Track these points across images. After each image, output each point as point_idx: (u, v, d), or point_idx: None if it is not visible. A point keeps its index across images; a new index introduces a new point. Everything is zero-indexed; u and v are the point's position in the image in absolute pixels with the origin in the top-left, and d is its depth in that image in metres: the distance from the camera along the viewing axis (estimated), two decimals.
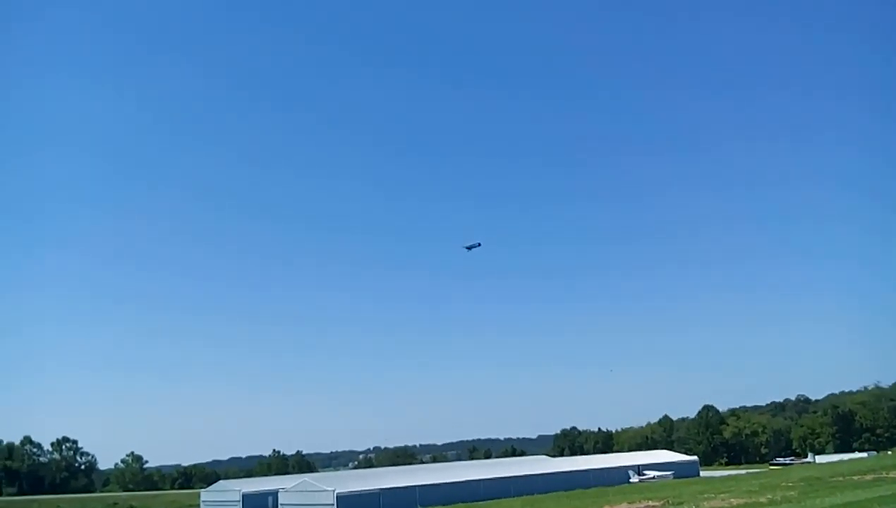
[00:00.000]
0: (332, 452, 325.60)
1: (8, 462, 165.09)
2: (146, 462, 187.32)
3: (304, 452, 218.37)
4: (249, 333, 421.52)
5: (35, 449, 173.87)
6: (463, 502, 79.35)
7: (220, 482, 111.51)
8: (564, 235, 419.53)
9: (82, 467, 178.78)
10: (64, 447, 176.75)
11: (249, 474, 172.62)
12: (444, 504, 78.32)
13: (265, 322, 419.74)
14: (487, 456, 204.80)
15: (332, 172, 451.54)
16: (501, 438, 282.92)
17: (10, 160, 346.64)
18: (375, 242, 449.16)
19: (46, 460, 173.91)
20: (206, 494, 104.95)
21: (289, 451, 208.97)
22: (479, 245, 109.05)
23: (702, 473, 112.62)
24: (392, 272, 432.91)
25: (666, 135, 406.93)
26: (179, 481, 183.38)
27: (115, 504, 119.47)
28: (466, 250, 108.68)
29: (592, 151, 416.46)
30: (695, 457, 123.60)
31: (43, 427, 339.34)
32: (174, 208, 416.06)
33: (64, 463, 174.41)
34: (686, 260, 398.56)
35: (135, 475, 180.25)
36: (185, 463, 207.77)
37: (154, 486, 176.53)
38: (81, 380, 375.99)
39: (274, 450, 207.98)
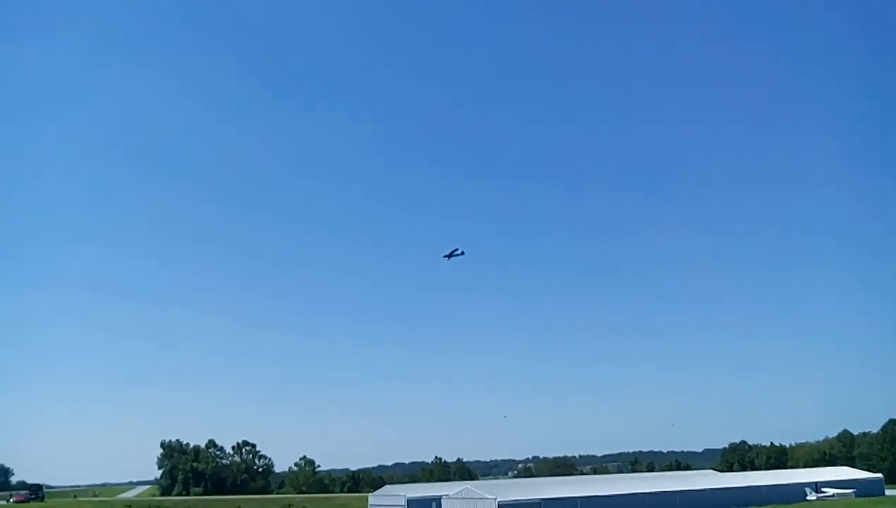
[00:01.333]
0: (491, 460, 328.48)
1: (195, 464, 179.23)
2: (318, 465, 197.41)
3: (465, 460, 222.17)
4: (412, 345, 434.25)
5: (218, 452, 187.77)
6: None
7: (387, 486, 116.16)
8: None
9: (260, 469, 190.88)
10: (244, 450, 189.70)
11: (413, 479, 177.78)
12: None
13: (428, 334, 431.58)
14: (650, 469, 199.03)
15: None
16: (664, 451, 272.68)
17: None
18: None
19: (228, 462, 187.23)
20: (373, 498, 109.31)
21: (450, 458, 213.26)
22: (462, 253, 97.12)
23: (887, 492, 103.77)
24: (553, 274, 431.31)
25: None
26: (348, 484, 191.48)
27: (290, 505, 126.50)
28: (446, 259, 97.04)
29: None
30: (879, 475, 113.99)
31: (225, 431, 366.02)
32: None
33: (244, 466, 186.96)
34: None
35: (307, 477, 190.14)
36: (353, 468, 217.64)
37: (325, 489, 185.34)
38: (261, 388, 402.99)
39: (436, 457, 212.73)
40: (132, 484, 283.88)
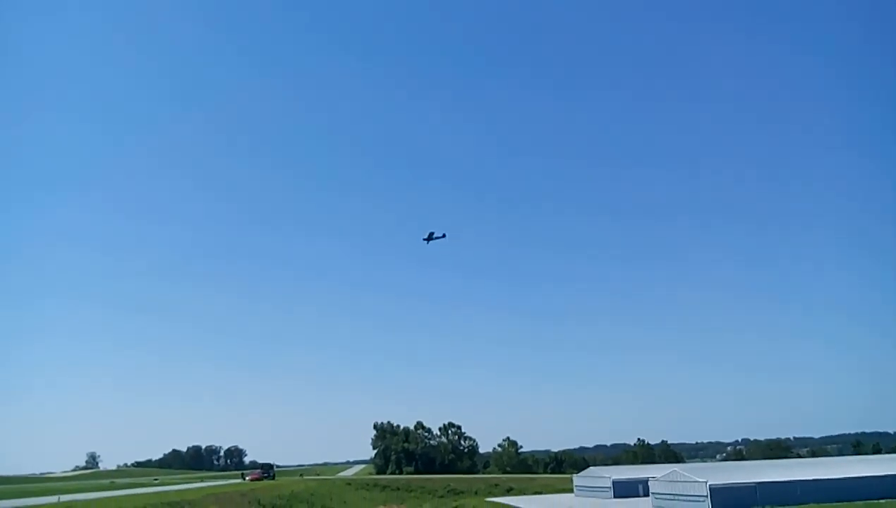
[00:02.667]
0: (697, 443, 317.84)
1: (406, 445, 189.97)
2: (521, 446, 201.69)
3: (670, 442, 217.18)
4: (617, 321, 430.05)
5: (426, 433, 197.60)
6: (850, 501, 73.04)
7: (591, 468, 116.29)
8: None
9: (465, 450, 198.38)
10: (450, 431, 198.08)
11: (616, 462, 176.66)
12: (828, 502, 72.96)
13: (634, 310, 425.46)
14: (876, 451, 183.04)
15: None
16: (891, 432, 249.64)
17: None
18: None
19: (436, 443, 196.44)
20: (578, 479, 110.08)
21: (653, 441, 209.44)
22: (444, 236, 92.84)
23: None
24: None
25: None
26: (551, 465, 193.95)
27: (496, 485, 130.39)
28: (425, 242, 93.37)
29: None
30: None
31: (433, 413, 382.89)
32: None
33: (450, 446, 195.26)
34: None
35: (511, 458, 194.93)
36: (555, 449, 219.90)
37: (528, 469, 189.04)
38: (464, 375, 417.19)
39: (639, 439, 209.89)
40: (349, 464, 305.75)
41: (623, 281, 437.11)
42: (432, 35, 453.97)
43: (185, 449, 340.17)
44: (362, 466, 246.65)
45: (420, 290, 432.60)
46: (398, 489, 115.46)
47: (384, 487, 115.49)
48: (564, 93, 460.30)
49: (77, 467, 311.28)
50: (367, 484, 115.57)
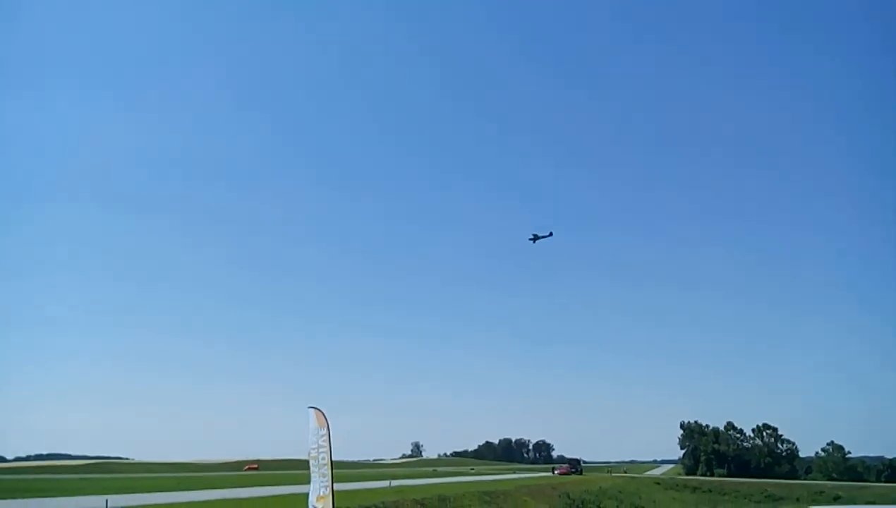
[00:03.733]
0: None
1: (716, 446, 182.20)
2: (848, 452, 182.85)
3: None
4: None
5: (738, 435, 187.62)
6: None
7: None
8: None
9: (784, 454, 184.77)
10: (764, 433, 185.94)
11: None
12: None
13: None
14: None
15: None
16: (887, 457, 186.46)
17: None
18: None
19: (749, 445, 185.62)
20: None
21: None
22: (550, 234, 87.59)
23: None
24: None
25: None
26: (885, 473, 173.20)
27: (821, 492, 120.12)
28: (532, 242, 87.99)
29: None
30: None
31: (744, 414, 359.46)
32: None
33: (766, 449, 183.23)
34: None
35: (837, 464, 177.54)
36: (889, 455, 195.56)
37: (858, 477, 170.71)
38: (778, 374, 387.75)
39: None
40: (656, 463, 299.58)
41: None
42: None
43: (496, 442, 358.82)
44: (670, 466, 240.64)
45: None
46: (710, 491, 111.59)
47: (695, 489, 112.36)
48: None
49: (403, 455, 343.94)
50: (677, 485, 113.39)
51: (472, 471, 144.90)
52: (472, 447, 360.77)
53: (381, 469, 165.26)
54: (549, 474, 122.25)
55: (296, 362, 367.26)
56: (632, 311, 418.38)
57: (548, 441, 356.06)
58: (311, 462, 19.82)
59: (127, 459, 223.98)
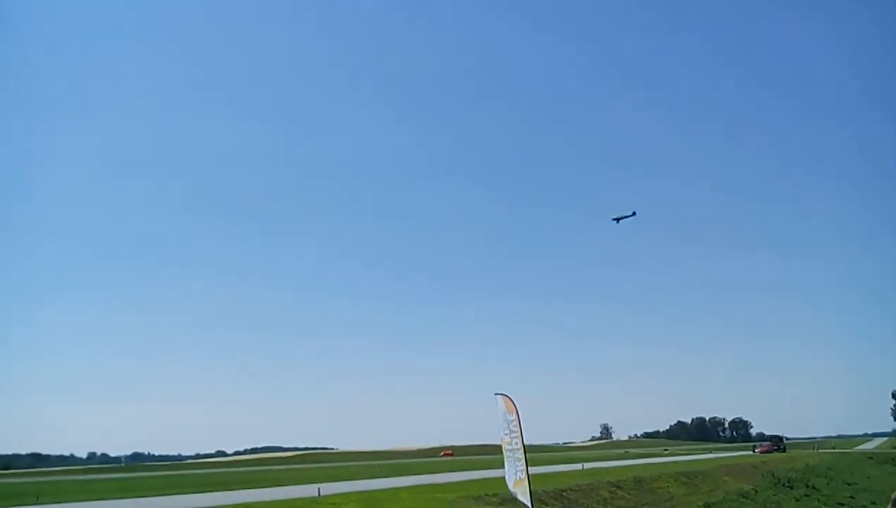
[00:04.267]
0: None
1: None
2: None
3: None
4: None
5: None
6: None
7: None
8: None
9: None
10: None
11: None
12: None
13: None
14: None
15: None
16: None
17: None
18: None
19: None
20: None
21: None
22: (634, 214, 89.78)
23: None
24: None
25: None
26: None
27: None
28: (615, 222, 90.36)
29: None
30: None
31: None
32: None
33: None
34: None
35: None
36: None
37: None
38: None
39: None
40: (867, 436, 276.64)
41: None
42: None
43: (689, 421, 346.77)
44: (883, 439, 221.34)
45: None
46: None
47: None
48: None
49: (593, 437, 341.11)
50: (893, 459, 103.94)
51: (666, 452, 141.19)
52: (663, 427, 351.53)
53: (571, 453, 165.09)
54: (749, 453, 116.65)
55: (486, 348, 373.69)
56: None
57: (745, 418, 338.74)
58: (505, 448, 20.19)
59: (332, 449, 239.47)
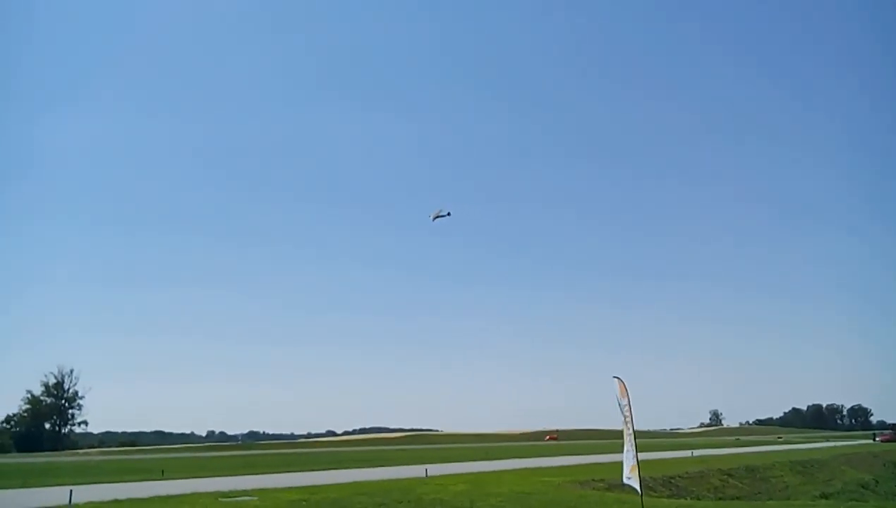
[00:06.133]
0: None
1: None
2: None
3: None
4: None
5: None
6: None
7: None
8: None
9: None
10: None
11: None
12: None
13: None
14: None
15: None
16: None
17: None
18: None
19: None
20: None
21: None
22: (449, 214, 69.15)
23: None
24: None
25: None
26: None
27: None
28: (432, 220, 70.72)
29: None
30: None
31: None
32: None
33: None
34: None
35: None
36: None
37: None
38: None
39: None
40: None
41: None
42: None
43: (804, 408, 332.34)
44: None
45: None
46: None
47: None
48: None
49: (702, 424, 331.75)
50: None
51: (780, 440, 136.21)
52: (776, 414, 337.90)
53: (680, 439, 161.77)
54: (870, 441, 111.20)
55: (594, 330, 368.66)
56: None
57: (864, 405, 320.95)
58: (624, 432, 20.09)
59: (436, 431, 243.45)
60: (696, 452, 64.38)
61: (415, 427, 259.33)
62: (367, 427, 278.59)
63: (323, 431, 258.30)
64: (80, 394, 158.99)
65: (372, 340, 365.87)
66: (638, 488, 19.70)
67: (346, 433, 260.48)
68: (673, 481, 34.48)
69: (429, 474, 34.37)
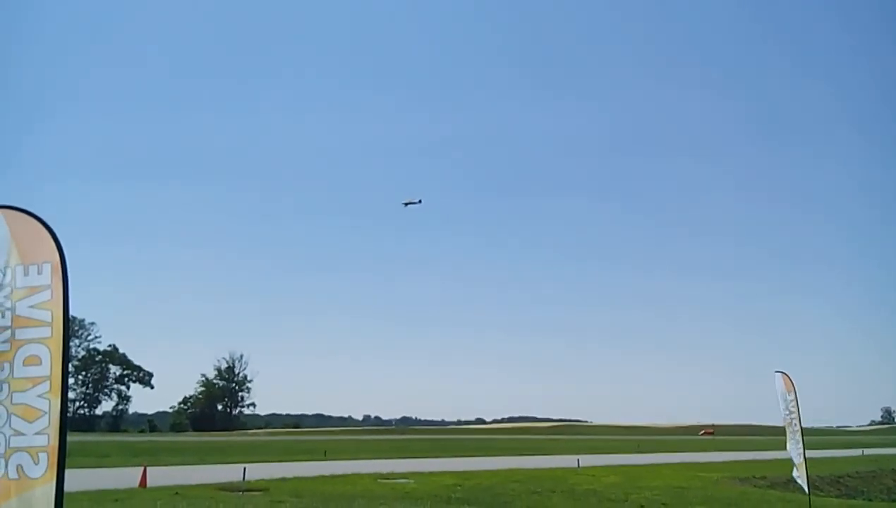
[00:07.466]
0: None
1: None
2: None
3: None
4: None
5: None
6: None
7: None
8: None
9: None
10: None
11: None
12: None
13: None
14: None
15: None
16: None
17: None
18: None
19: None
20: None
21: None
22: (420, 201, 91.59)
23: None
24: None
25: None
26: None
27: None
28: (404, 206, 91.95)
29: None
30: None
31: None
32: None
33: None
34: None
35: None
36: None
37: None
38: None
39: None
40: None
41: None
42: None
43: None
44: None
45: None
46: None
47: None
48: None
49: (872, 422, 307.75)
50: None
51: None
52: None
53: (848, 437, 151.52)
54: None
55: (755, 320, 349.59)
56: None
57: None
58: (788, 429, 19.39)
59: (585, 422, 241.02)
60: (867, 451, 60.63)
61: (563, 417, 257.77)
62: (516, 416, 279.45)
63: (472, 419, 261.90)
64: (248, 378, 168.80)
65: (520, 329, 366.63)
66: (805, 486, 18.96)
67: (494, 420, 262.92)
68: (841, 480, 32.73)
69: (581, 465, 34.41)
